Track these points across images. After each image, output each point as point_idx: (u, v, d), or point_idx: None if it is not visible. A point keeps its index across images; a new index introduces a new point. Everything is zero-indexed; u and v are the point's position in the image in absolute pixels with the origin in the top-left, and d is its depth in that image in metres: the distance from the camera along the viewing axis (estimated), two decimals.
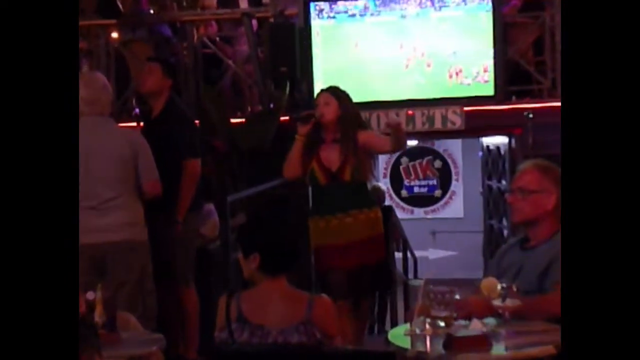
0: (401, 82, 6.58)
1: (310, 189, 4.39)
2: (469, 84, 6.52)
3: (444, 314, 2.46)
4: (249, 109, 7.19)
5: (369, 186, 4.41)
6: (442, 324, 2.46)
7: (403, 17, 6.65)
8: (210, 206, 5.21)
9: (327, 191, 4.19)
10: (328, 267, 4.23)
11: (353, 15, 6.71)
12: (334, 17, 6.69)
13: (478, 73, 6.50)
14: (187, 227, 4.42)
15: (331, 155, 4.16)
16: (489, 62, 6.46)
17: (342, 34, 6.75)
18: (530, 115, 6.23)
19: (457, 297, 2.50)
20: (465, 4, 6.56)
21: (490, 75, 6.46)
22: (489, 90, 6.49)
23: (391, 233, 5.98)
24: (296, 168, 4.20)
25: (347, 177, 4.14)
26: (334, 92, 4.23)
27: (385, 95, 6.52)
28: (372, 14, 6.69)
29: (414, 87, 6.59)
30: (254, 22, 7.00)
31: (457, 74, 6.55)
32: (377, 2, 6.68)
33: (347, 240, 4.16)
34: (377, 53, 6.66)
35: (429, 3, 6.61)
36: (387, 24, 6.69)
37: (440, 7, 6.58)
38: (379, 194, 7.39)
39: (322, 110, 4.15)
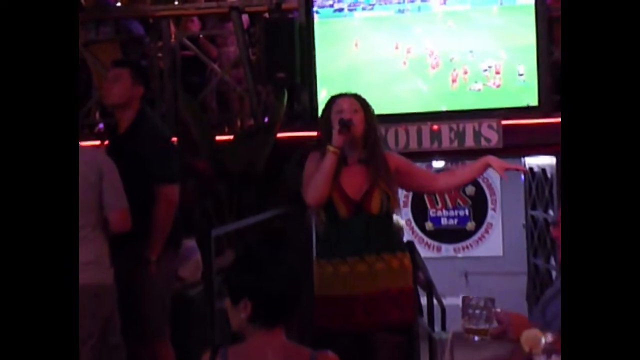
0: (417, 91, 6.63)
1: (315, 222, 4.20)
2: (480, 89, 6.59)
3: (481, 326, 2.63)
4: (239, 123, 7.24)
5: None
6: (476, 338, 2.64)
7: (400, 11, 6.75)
8: (191, 242, 5.22)
9: (347, 226, 3.97)
10: (339, 327, 3.97)
11: (340, 10, 6.78)
12: (316, 12, 6.76)
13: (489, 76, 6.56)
14: (162, 267, 4.43)
15: (354, 181, 3.99)
16: (498, 63, 6.52)
17: (335, 31, 6.81)
18: None
19: (498, 309, 2.67)
20: None
21: (531, 80, 6.51)
22: (532, 100, 6.54)
23: (414, 277, 5.96)
24: (326, 191, 3.92)
25: (375, 208, 3.96)
26: (360, 99, 4.07)
27: (391, 107, 6.48)
28: (363, 8, 6.77)
29: (436, 96, 6.65)
30: (245, 17, 7.08)
31: (494, 76, 6.61)
32: None
33: (369, 292, 3.95)
34: (377, 54, 6.73)
35: None
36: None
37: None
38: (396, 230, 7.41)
39: (350, 117, 3.94)
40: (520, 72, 6.58)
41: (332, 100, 4.07)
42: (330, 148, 3.90)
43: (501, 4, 6.69)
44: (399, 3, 6.75)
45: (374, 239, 3.98)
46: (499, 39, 6.70)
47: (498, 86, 6.58)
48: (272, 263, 2.67)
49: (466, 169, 4.26)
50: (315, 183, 3.93)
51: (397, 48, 6.70)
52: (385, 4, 6.76)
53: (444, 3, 6.74)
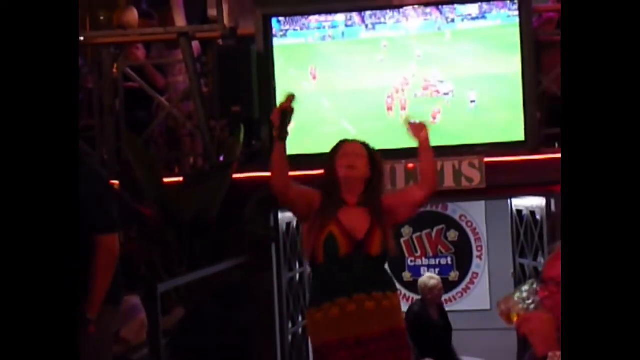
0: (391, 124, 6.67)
1: (310, 266, 4.58)
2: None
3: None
4: (190, 163, 7.22)
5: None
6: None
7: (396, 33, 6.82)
8: (135, 299, 5.18)
9: (347, 263, 4.42)
10: None
11: (323, 38, 6.88)
12: (284, 36, 6.84)
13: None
14: (101, 327, 4.39)
15: (356, 220, 4.48)
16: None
17: (302, 59, 6.88)
18: None
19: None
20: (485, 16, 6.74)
21: (515, 115, 6.59)
22: (518, 135, 6.59)
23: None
24: (283, 172, 4.37)
25: (376, 248, 4.45)
26: (366, 145, 4.64)
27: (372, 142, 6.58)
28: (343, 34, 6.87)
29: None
30: (195, 44, 7.09)
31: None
32: (358, 19, 6.84)
33: (368, 333, 4.35)
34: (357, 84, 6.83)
35: (436, 14, 6.78)
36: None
37: (452, 20, 6.76)
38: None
39: (353, 162, 4.51)
40: (472, 99, 6.69)
41: (339, 144, 4.62)
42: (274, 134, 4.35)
43: (439, 29, 6.79)
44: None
45: (368, 279, 4.42)
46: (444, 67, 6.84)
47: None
48: (229, 322, 2.66)
49: (420, 158, 4.70)
50: (272, 166, 4.37)
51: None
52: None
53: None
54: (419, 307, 8.96)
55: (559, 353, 2.60)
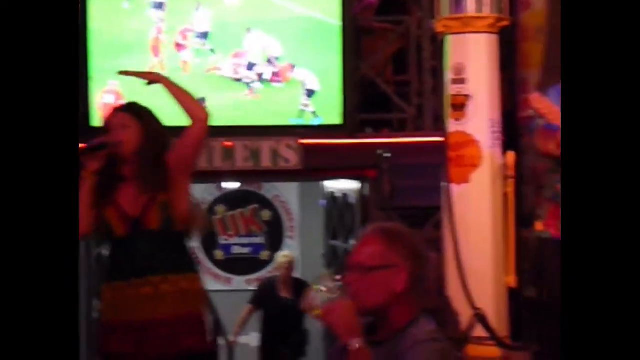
0: (214, 99, 6.67)
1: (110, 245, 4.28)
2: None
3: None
4: None
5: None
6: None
7: None
8: None
9: (125, 245, 4.11)
10: (128, 354, 4.09)
11: None
12: None
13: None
14: None
15: (132, 196, 4.10)
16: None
17: None
18: (387, 154, 6.42)
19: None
20: None
21: (336, 99, 6.72)
22: (336, 119, 6.72)
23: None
24: (86, 219, 4.03)
25: (154, 223, 4.08)
26: (134, 110, 4.18)
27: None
28: None
29: (231, 107, 6.76)
30: None
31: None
32: None
33: (156, 317, 4.07)
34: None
35: None
36: None
37: None
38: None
39: (118, 137, 4.07)
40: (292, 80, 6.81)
41: (109, 115, 4.21)
42: (83, 173, 4.01)
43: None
44: None
45: (159, 258, 4.09)
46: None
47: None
48: None
49: (173, 96, 4.19)
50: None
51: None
52: None
53: None
54: (264, 285, 8.92)
55: (357, 340, 2.62)
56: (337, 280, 2.78)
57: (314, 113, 6.80)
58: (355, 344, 2.61)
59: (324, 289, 2.70)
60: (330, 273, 2.78)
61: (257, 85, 6.82)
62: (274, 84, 6.84)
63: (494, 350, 5.86)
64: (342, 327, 2.65)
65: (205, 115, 4.13)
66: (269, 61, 6.84)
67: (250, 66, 6.81)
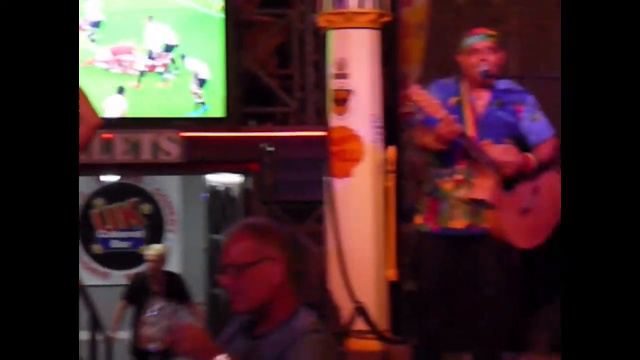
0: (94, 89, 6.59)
1: None
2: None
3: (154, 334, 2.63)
4: None
5: None
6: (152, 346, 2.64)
7: None
8: None
9: None
10: None
11: None
12: None
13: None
14: None
15: None
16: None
17: None
18: (270, 148, 6.44)
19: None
20: None
21: (218, 91, 6.70)
22: (219, 111, 6.70)
23: None
24: None
25: None
26: None
27: None
28: None
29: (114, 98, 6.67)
30: None
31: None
32: None
33: None
34: None
35: None
36: None
37: None
38: None
39: None
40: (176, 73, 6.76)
41: None
42: None
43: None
44: None
45: None
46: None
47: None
48: None
49: None
50: None
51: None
52: None
53: None
54: (136, 279, 8.76)
55: (220, 357, 2.57)
56: (168, 302, 2.74)
57: (202, 103, 6.76)
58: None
59: (155, 313, 2.64)
60: (158, 296, 2.74)
61: (143, 75, 6.75)
62: (165, 75, 6.79)
63: (375, 344, 5.95)
64: (197, 351, 2.59)
65: (97, 122, 4.01)
66: (167, 49, 6.79)
67: (151, 55, 6.75)
